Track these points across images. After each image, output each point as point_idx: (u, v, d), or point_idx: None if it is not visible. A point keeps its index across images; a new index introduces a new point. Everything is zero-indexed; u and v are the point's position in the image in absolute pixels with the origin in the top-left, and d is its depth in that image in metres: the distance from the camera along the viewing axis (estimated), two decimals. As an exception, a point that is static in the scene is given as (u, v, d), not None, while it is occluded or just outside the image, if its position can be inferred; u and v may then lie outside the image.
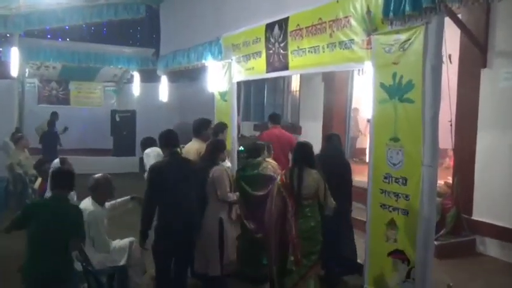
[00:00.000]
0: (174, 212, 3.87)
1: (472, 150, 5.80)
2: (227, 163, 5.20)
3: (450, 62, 5.34)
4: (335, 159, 4.94)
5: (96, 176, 4.39)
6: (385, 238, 4.19)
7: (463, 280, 4.87)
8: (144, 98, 12.55)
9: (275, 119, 7.02)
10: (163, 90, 10.55)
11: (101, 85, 14.42)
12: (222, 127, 6.01)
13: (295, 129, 9.18)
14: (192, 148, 5.01)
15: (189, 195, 3.97)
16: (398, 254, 4.06)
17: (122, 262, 4.35)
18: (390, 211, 4.13)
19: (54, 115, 11.04)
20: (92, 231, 4.14)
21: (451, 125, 5.65)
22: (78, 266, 4.00)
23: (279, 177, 4.44)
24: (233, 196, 4.63)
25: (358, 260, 5.10)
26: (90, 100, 14.37)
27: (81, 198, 4.59)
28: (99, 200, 4.31)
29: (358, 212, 6.85)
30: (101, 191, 4.33)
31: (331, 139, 5.33)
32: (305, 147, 4.43)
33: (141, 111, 12.52)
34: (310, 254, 4.23)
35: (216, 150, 4.58)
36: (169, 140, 4.12)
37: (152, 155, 5.43)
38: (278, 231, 4.22)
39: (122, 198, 4.77)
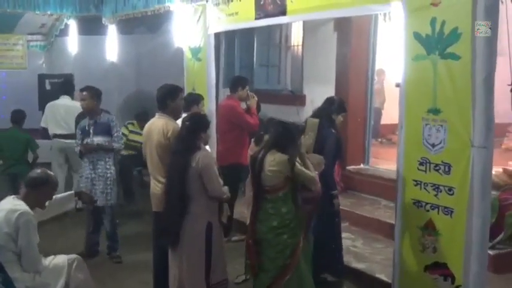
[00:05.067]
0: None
1: (541, 125, 5.85)
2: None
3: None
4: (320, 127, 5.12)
5: (40, 171, 4.46)
6: (420, 247, 4.25)
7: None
8: (84, 57, 12.38)
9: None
10: (112, 45, 10.42)
11: (23, 39, 14.20)
12: (197, 98, 5.97)
13: (297, 98, 9.17)
14: (156, 126, 4.98)
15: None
16: (438, 269, 4.13)
17: (58, 286, 4.37)
18: (427, 210, 4.18)
19: None
20: (22, 239, 4.13)
21: (511, 91, 5.67)
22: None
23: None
24: (227, 192, 4.69)
25: (380, 276, 5.36)
26: (7, 60, 14.12)
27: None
28: (34, 203, 4.32)
29: (384, 211, 6.97)
30: (45, 192, 4.37)
31: (326, 102, 5.52)
32: (280, 125, 4.56)
33: (80, 76, 12.29)
34: (273, 260, 4.44)
35: (197, 128, 4.57)
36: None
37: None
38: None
39: (61, 194, 4.78)
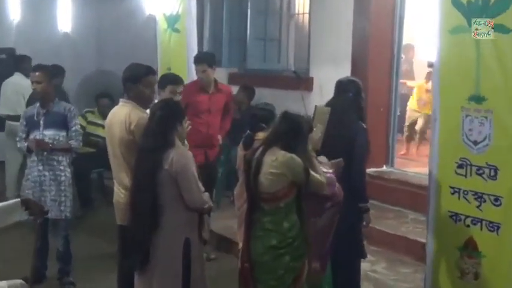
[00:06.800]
0: None
1: None
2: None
3: None
4: (341, 121, 5.03)
5: None
6: (458, 273, 4.27)
7: None
8: (29, 26, 12.36)
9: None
10: (65, 11, 10.40)
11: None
12: (174, 79, 5.97)
13: (302, 81, 9.18)
14: (119, 116, 4.97)
15: None
16: (481, 300, 4.15)
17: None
18: (467, 225, 4.19)
19: None
20: None
21: None
22: None
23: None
24: (209, 200, 4.70)
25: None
26: None
27: None
28: None
29: (412, 226, 6.97)
30: None
31: (346, 88, 5.36)
32: (284, 117, 4.45)
33: (25, 51, 12.31)
34: None
35: (170, 118, 4.57)
36: None
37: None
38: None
39: (3, 203, 4.78)
